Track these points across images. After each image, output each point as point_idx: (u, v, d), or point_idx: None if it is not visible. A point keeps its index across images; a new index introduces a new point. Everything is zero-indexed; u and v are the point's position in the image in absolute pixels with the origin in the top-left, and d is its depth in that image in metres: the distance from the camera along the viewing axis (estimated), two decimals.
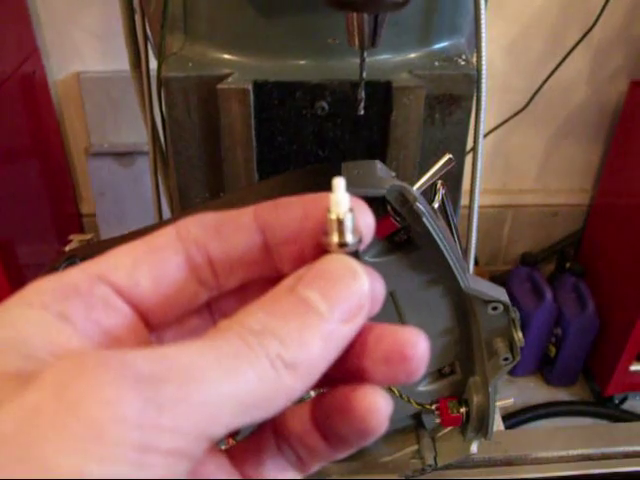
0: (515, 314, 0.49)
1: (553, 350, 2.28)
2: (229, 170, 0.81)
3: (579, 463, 0.62)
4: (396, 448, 0.60)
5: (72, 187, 2.26)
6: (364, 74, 0.42)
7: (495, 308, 0.51)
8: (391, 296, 0.52)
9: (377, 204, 0.45)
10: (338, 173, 0.43)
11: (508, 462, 0.62)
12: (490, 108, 2.12)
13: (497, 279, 2.44)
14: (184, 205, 0.87)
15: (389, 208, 0.44)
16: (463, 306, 0.52)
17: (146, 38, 1.01)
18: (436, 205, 0.47)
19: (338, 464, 0.58)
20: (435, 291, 0.51)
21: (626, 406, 2.26)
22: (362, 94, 0.44)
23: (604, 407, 2.23)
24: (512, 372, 2.37)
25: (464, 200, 1.00)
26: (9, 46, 1.76)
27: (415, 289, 0.51)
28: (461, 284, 0.48)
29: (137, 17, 1.00)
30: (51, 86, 2.03)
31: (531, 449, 0.63)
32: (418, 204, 0.42)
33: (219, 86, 0.75)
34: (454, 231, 0.50)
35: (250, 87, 0.75)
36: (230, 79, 0.76)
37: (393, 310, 0.53)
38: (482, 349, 0.53)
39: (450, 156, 0.46)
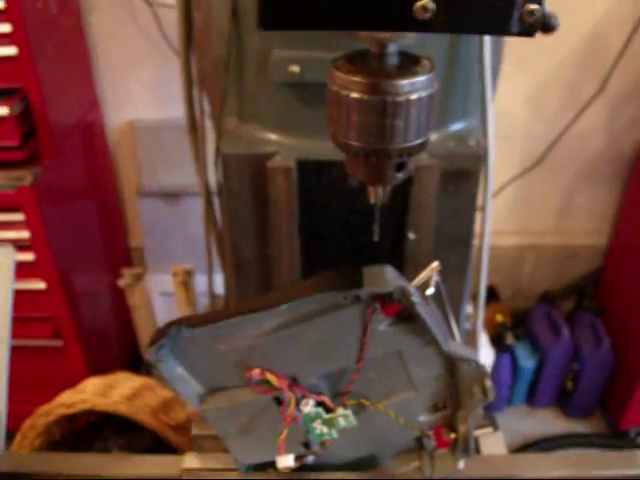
0: (485, 368, 0.64)
1: (571, 385, 2.39)
2: (274, 231, 0.97)
3: None
4: (402, 463, 0.78)
5: (123, 223, 2.46)
6: (378, 217, 0.58)
7: (469, 364, 0.66)
8: (399, 353, 0.69)
9: (388, 295, 0.62)
10: (361, 276, 0.59)
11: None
12: (511, 156, 2.28)
13: (518, 315, 2.56)
14: (236, 257, 1.03)
15: (395, 298, 0.62)
16: (450, 361, 0.69)
17: (202, 106, 1.18)
18: (431, 291, 0.63)
19: (354, 473, 0.73)
20: (429, 350, 0.68)
21: None
22: (377, 227, 0.61)
23: (619, 440, 2.32)
24: (533, 404, 2.48)
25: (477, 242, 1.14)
26: (74, 98, 1.97)
27: (415, 348, 0.68)
28: (444, 349, 0.65)
29: (195, 91, 1.18)
30: (107, 133, 2.23)
31: (518, 470, 0.78)
32: (413, 297, 0.59)
33: (269, 164, 0.92)
34: (446, 309, 0.66)
35: (294, 165, 0.91)
36: (277, 157, 0.93)
37: (401, 364, 0.69)
38: (464, 391, 0.69)
39: (437, 263, 0.62)
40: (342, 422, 0.70)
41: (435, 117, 0.48)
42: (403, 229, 0.97)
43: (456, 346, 0.65)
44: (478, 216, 1.12)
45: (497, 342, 2.32)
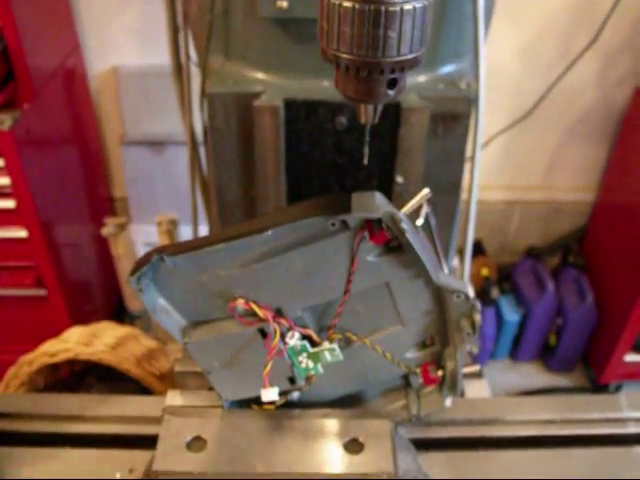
0: (475, 301, 0.63)
1: (554, 339, 2.41)
2: (261, 172, 0.95)
3: (541, 425, 0.77)
4: (389, 401, 0.77)
5: (106, 173, 2.42)
6: (368, 138, 0.56)
7: (459, 296, 0.65)
8: (387, 286, 0.67)
9: (377, 222, 0.60)
10: (349, 202, 0.57)
11: (483, 422, 0.77)
12: (501, 108, 2.25)
13: (504, 270, 2.57)
14: (221, 199, 1.01)
15: (384, 225, 0.60)
16: (439, 294, 0.68)
17: (187, 51, 1.14)
18: (420, 221, 0.61)
19: (343, 409, 0.73)
20: (419, 282, 0.66)
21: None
22: (367, 149, 0.58)
23: (599, 394, 2.36)
24: (515, 357, 2.51)
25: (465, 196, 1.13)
26: (54, 43, 1.91)
27: (404, 281, 0.66)
28: (434, 279, 0.63)
29: (180, 34, 1.14)
30: (90, 79, 2.17)
31: (503, 413, 0.78)
32: (403, 224, 0.57)
33: (255, 103, 0.89)
34: (436, 241, 0.64)
35: (281, 104, 0.89)
36: (264, 97, 0.90)
37: (389, 297, 0.68)
38: (453, 326, 0.68)
39: (427, 190, 0.61)
40: (328, 356, 0.69)
41: (429, 32, 0.46)
42: (391, 173, 0.95)
43: (446, 277, 0.63)
44: (467, 166, 1.10)
45: (482, 296, 2.33)
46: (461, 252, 1.35)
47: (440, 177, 1.01)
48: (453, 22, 0.92)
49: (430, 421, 0.76)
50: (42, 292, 1.96)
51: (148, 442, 0.71)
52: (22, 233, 1.81)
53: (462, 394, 0.83)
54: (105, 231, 2.07)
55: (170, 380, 1.36)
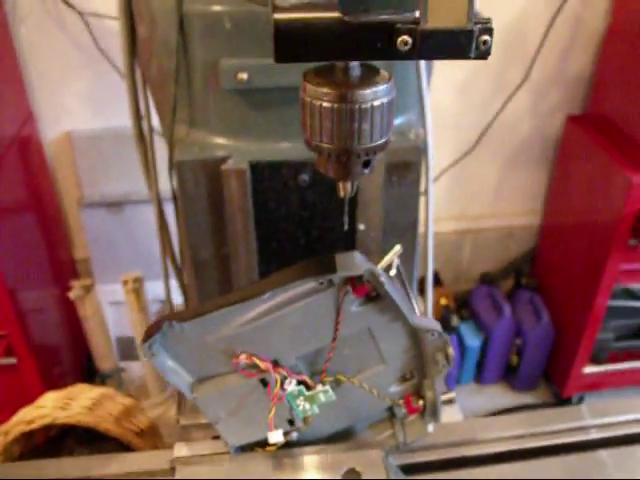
0: (447, 337, 0.71)
1: (515, 359, 2.51)
2: (231, 231, 1.01)
3: (513, 441, 0.85)
4: (377, 432, 0.85)
5: (67, 236, 2.44)
6: (347, 209, 0.64)
7: (432, 334, 0.74)
8: (369, 331, 0.76)
9: (358, 278, 0.69)
10: (334, 263, 0.65)
11: (460, 444, 0.85)
12: (446, 144, 2.37)
13: (461, 297, 2.66)
14: (195, 259, 1.07)
15: (365, 280, 0.68)
16: (414, 334, 0.76)
17: (150, 119, 1.20)
18: (394, 272, 0.69)
19: (337, 444, 0.80)
20: (396, 325, 0.75)
21: None
22: (346, 217, 0.67)
23: (561, 407, 2.45)
24: (480, 381, 2.59)
25: (423, 228, 1.20)
26: (8, 114, 1.95)
27: (384, 325, 0.75)
28: (410, 322, 0.72)
29: (141, 100, 1.20)
30: (45, 145, 2.21)
31: (477, 434, 0.86)
32: (381, 278, 0.66)
33: (222, 167, 0.95)
34: (407, 288, 0.73)
35: (247, 167, 0.96)
36: (230, 161, 0.97)
37: (371, 340, 0.76)
38: (429, 360, 0.77)
39: (399, 246, 0.69)
40: (322, 397, 0.76)
41: (393, 120, 0.54)
42: (354, 221, 1.02)
43: (420, 319, 0.72)
44: (422, 202, 1.18)
45: (443, 324, 2.41)
46: (420, 284, 1.43)
47: (398, 220, 1.08)
48: (399, 79, 1.00)
49: (413, 447, 0.83)
50: (12, 360, 1.96)
51: None
52: None
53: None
54: (72, 294, 2.09)
55: (150, 435, 1.39)
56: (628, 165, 1.93)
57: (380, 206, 1.02)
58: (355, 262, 0.67)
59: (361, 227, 1.01)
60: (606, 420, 0.87)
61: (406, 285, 0.74)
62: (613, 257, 2.03)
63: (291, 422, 0.80)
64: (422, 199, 1.17)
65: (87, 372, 2.48)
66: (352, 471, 0.75)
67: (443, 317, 2.44)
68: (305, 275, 0.68)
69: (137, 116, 1.22)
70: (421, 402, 0.80)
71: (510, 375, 2.58)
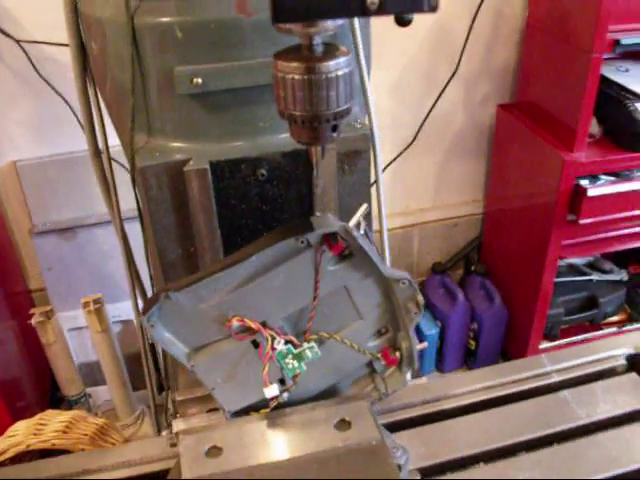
0: (416, 286, 0.79)
1: (473, 343, 2.60)
2: (197, 230, 1.06)
3: (483, 391, 0.93)
4: (360, 387, 0.92)
5: (20, 266, 2.43)
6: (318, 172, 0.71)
7: (403, 283, 0.81)
8: (345, 288, 0.82)
9: (333, 235, 0.76)
10: (310, 223, 0.71)
11: (435, 400, 0.92)
12: (385, 142, 2.45)
13: None
14: (163, 260, 1.11)
15: (339, 237, 0.76)
16: (387, 287, 0.83)
17: (105, 134, 1.24)
18: (362, 230, 0.77)
19: (326, 400, 0.86)
20: (369, 280, 0.82)
21: None
22: (319, 181, 0.74)
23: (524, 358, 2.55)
24: (441, 369, 2.68)
25: (375, 225, 1.27)
26: None
27: (358, 281, 0.82)
28: (382, 272, 0.79)
29: (95, 117, 1.23)
30: None
31: (450, 389, 0.94)
32: (354, 233, 0.74)
33: (185, 169, 1.00)
34: (373, 245, 0.79)
35: (207, 166, 1.01)
36: (191, 162, 1.01)
37: (348, 297, 0.83)
38: (401, 312, 0.84)
39: (366, 205, 0.76)
40: (309, 353, 0.83)
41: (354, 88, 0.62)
42: (310, 210, 1.09)
43: (391, 270, 0.79)
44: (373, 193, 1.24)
45: None
46: None
47: (351, 207, 1.14)
48: None
49: (393, 407, 0.90)
50: None
51: (156, 477, 0.80)
52: None
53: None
54: (33, 321, 2.08)
55: None
56: (559, 145, 2.05)
57: (334, 194, 1.08)
58: (330, 221, 0.75)
59: (318, 214, 1.08)
60: (564, 365, 0.96)
61: (373, 243, 0.80)
62: (555, 234, 2.14)
63: (282, 382, 0.85)
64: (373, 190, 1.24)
65: (53, 401, 2.47)
66: (343, 421, 0.81)
67: None
68: (286, 236, 0.75)
69: (93, 134, 1.25)
70: (398, 353, 0.87)
71: (469, 359, 2.67)
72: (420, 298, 0.79)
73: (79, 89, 1.17)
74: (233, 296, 0.78)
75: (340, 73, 0.61)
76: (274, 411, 0.85)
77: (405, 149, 2.42)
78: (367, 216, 1.16)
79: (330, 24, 0.56)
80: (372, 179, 1.19)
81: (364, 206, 0.77)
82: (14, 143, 2.19)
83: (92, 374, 2.49)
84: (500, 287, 2.55)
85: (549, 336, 2.49)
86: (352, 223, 0.75)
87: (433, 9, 0.55)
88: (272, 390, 0.80)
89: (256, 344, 0.82)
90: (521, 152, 2.30)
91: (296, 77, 0.59)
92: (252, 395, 0.84)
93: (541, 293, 2.30)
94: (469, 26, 2.24)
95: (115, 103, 1.10)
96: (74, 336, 2.42)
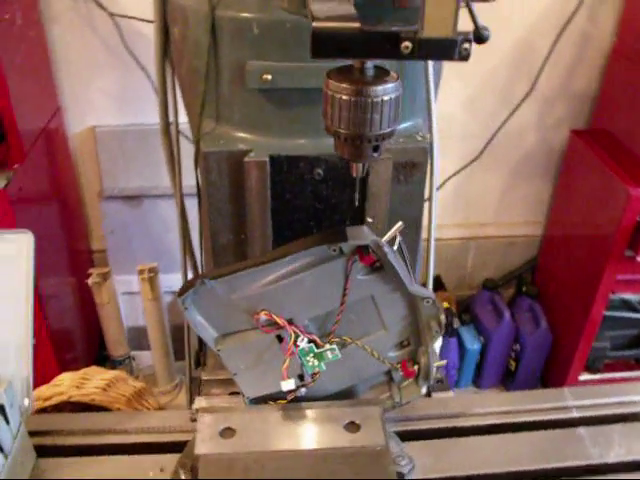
0: (440, 305, 0.81)
1: (513, 364, 2.59)
2: (250, 218, 1.10)
3: (499, 415, 0.93)
4: (376, 393, 0.95)
5: (86, 227, 2.54)
6: (359, 187, 0.75)
7: (427, 302, 0.83)
8: (372, 298, 0.85)
9: (365, 248, 0.79)
10: (345, 233, 0.77)
11: (452, 416, 0.93)
12: (453, 153, 2.46)
13: (462, 303, 2.75)
14: (214, 243, 1.16)
15: (370, 250, 0.78)
16: (412, 303, 0.86)
17: (177, 114, 1.29)
18: (395, 247, 0.79)
19: (341, 401, 0.90)
20: (396, 294, 0.85)
21: None
22: (357, 195, 0.78)
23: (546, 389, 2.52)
24: (478, 384, 2.67)
25: (425, 234, 1.29)
26: (39, 107, 2.06)
27: (385, 293, 0.84)
28: (408, 289, 0.81)
29: (169, 96, 1.29)
30: (70, 139, 2.31)
31: (468, 408, 0.95)
32: (385, 248, 0.76)
33: (245, 159, 1.04)
34: (406, 261, 0.82)
35: (267, 160, 1.05)
36: (252, 154, 1.05)
37: (374, 307, 0.86)
38: (424, 328, 0.86)
39: (401, 223, 0.79)
40: (329, 355, 0.86)
41: (400, 112, 0.65)
42: (362, 214, 1.11)
43: (417, 287, 0.81)
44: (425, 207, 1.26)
45: (444, 328, 2.49)
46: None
47: (403, 216, 1.16)
48: (408, 88, 1.09)
49: (409, 417, 0.92)
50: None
51: (174, 447, 0.85)
52: None
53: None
54: (90, 281, 2.18)
55: None
56: (628, 179, 2.02)
57: (387, 201, 1.10)
58: (363, 233, 0.78)
59: (369, 220, 1.10)
60: (586, 402, 0.96)
61: (406, 260, 0.83)
62: (610, 267, 2.11)
63: (301, 377, 0.89)
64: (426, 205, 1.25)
65: (99, 358, 2.57)
66: (352, 423, 0.85)
67: (445, 320, 2.51)
68: (320, 242, 0.78)
69: (165, 111, 1.31)
70: (416, 367, 0.90)
71: (508, 379, 2.65)
72: (443, 318, 0.82)
73: (157, 68, 1.23)
74: (264, 291, 0.82)
75: (386, 98, 0.64)
76: (291, 403, 0.89)
77: (471, 162, 2.42)
78: (413, 227, 1.19)
79: None
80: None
81: (399, 223, 0.80)
82: (96, 109, 2.29)
83: (139, 339, 2.59)
84: (548, 312, 2.53)
85: (591, 368, 2.45)
86: (385, 239, 0.77)
87: (464, 58, 0.58)
88: (289, 384, 0.84)
89: (280, 339, 0.85)
90: (588, 180, 2.27)
91: (344, 97, 0.63)
92: (271, 386, 0.88)
93: (589, 324, 2.27)
94: (551, 45, 2.21)
95: (188, 87, 1.15)
96: (126, 300, 2.52)
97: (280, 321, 0.83)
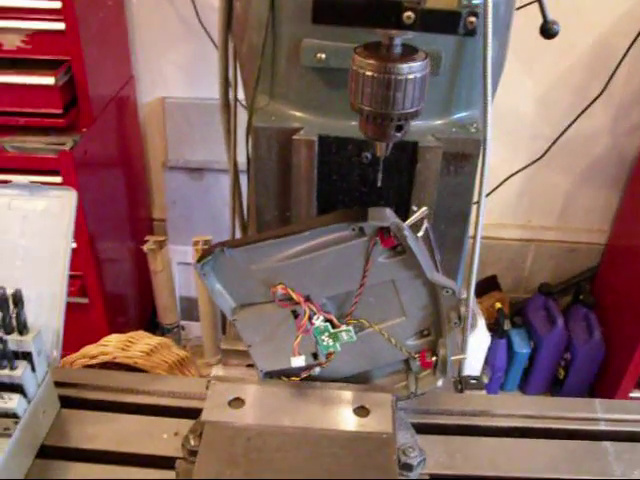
0: (460, 296, 0.79)
1: (562, 373, 2.52)
2: (295, 196, 1.11)
3: (522, 419, 0.91)
4: (393, 381, 0.94)
5: (148, 194, 2.60)
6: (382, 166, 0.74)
7: (447, 292, 0.81)
8: (393, 283, 0.84)
9: (386, 230, 0.78)
10: (366, 213, 0.76)
11: (474, 414, 0.92)
12: (518, 151, 2.40)
13: (516, 305, 2.69)
14: (259, 219, 1.17)
15: (392, 233, 0.77)
16: (434, 292, 0.84)
17: (236, 90, 1.30)
18: (421, 233, 0.78)
19: (354, 385, 0.89)
20: (418, 281, 0.83)
21: None
22: (380, 175, 0.76)
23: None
24: (524, 390, 2.62)
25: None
26: (112, 75, 2.11)
27: (406, 279, 0.83)
28: (428, 276, 0.80)
29: (230, 71, 1.31)
30: (139, 107, 2.37)
31: (491, 408, 0.93)
32: (405, 232, 0.75)
33: (294, 137, 1.05)
34: (434, 250, 0.81)
35: (316, 139, 1.05)
36: (302, 132, 1.06)
37: (394, 292, 0.85)
38: (444, 318, 0.85)
39: (425, 208, 0.77)
40: (345, 336, 0.86)
41: (426, 93, 0.64)
42: (408, 202, 1.10)
43: (438, 276, 0.80)
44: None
45: (494, 328, 2.45)
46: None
47: (450, 208, 1.15)
48: (465, 76, 1.07)
49: (430, 410, 0.91)
50: (84, 300, 2.12)
51: (191, 413, 0.87)
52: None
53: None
54: (146, 247, 2.24)
55: None
56: None
57: (434, 191, 1.09)
58: (385, 214, 0.77)
59: (414, 208, 1.09)
60: (616, 416, 0.93)
61: (433, 247, 0.81)
62: None
63: (315, 356, 0.89)
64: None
65: (150, 324, 2.64)
66: (362, 407, 0.84)
67: (496, 321, 2.47)
68: (341, 220, 0.78)
69: (225, 85, 1.32)
70: (434, 358, 0.88)
71: (555, 388, 2.59)
72: (463, 310, 0.80)
73: (220, 42, 1.24)
74: (283, 265, 0.82)
75: (411, 77, 0.62)
76: (303, 382, 0.89)
77: (534, 162, 2.35)
78: (460, 221, 1.17)
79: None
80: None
81: (423, 209, 0.78)
82: (166, 81, 2.34)
83: (190, 309, 2.64)
84: (604, 323, 2.45)
85: None
86: (408, 222, 0.76)
87: (470, 33, 0.56)
88: (299, 361, 0.84)
89: (296, 314, 0.85)
90: None
91: (367, 74, 0.62)
92: (285, 361, 0.87)
93: None
94: (629, 46, 2.12)
95: (247, 62, 1.16)
96: (181, 270, 2.57)
97: (296, 296, 0.83)
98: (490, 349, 2.53)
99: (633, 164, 2.42)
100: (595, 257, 2.66)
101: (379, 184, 0.80)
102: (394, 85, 0.62)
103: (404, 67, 0.62)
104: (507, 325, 2.48)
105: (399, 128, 0.65)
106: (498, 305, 2.53)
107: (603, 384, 2.49)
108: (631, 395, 2.36)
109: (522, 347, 2.50)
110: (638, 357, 2.24)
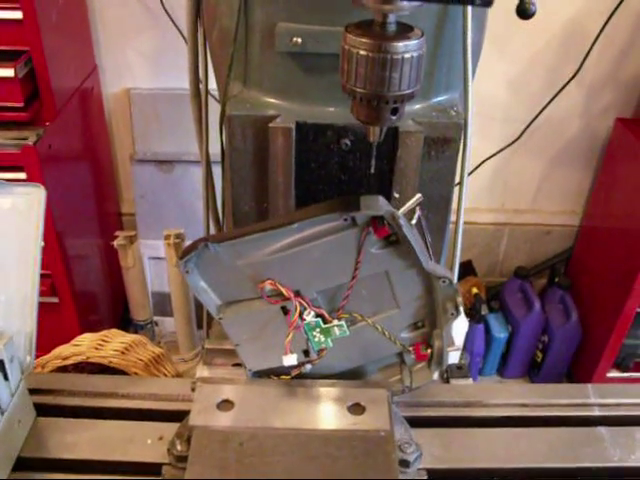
0: (457, 286, 0.76)
1: (540, 356, 2.53)
2: (272, 187, 1.07)
3: (516, 407, 0.89)
4: (386, 376, 0.91)
5: (116, 189, 2.54)
6: (374, 152, 0.70)
7: (444, 281, 0.78)
8: (386, 274, 0.81)
9: (380, 219, 0.74)
10: (358, 202, 0.72)
11: (466, 405, 0.89)
12: (492, 135, 2.39)
13: (492, 289, 2.69)
14: (235, 211, 1.13)
15: (385, 222, 0.74)
16: (428, 282, 0.81)
17: (207, 78, 1.26)
18: (414, 221, 0.75)
19: (347, 381, 0.86)
20: (412, 271, 0.80)
21: None
22: (373, 161, 0.72)
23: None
24: (503, 374, 2.62)
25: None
26: (74, 66, 2.04)
27: (400, 269, 0.80)
28: (424, 266, 0.77)
29: (200, 59, 1.26)
30: (104, 99, 2.30)
31: (484, 397, 0.90)
32: (400, 220, 0.72)
33: (270, 125, 1.01)
34: (425, 237, 0.78)
35: (293, 126, 1.01)
36: (278, 119, 1.02)
37: (387, 283, 0.81)
38: (439, 309, 0.82)
39: (420, 195, 0.74)
40: (337, 331, 0.82)
41: (422, 73, 0.60)
42: (389, 189, 1.07)
43: (434, 265, 0.77)
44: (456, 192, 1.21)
45: (472, 313, 2.45)
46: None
47: (432, 194, 1.12)
48: (444, 58, 1.04)
49: (421, 402, 0.89)
50: (54, 300, 2.06)
51: (175, 416, 0.83)
52: None
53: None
54: (116, 243, 2.18)
55: None
56: None
57: (416, 177, 1.06)
58: (378, 203, 0.73)
59: (396, 195, 1.06)
60: (610, 400, 0.91)
61: (426, 236, 0.78)
62: None
63: (306, 353, 0.86)
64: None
65: (122, 321, 2.58)
66: (357, 405, 0.81)
67: (473, 306, 2.46)
68: (332, 210, 0.74)
69: (195, 74, 1.28)
70: (429, 350, 0.85)
71: (533, 371, 2.60)
72: (460, 300, 0.77)
73: (189, 29, 1.19)
74: (271, 259, 0.78)
75: (407, 56, 0.59)
76: (294, 380, 0.85)
77: (508, 145, 2.34)
78: (441, 206, 1.14)
79: (406, 4, 0.55)
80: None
81: (417, 195, 0.75)
82: (132, 71, 2.28)
83: (163, 304, 2.59)
84: (580, 305, 2.46)
85: (620, 366, 2.39)
86: (402, 211, 0.73)
87: (487, 4, 0.52)
88: (291, 359, 0.80)
89: (285, 311, 0.82)
90: (632, 171, 2.19)
91: (361, 53, 0.58)
92: (274, 359, 0.84)
93: (621, 320, 2.20)
94: (602, 27, 2.11)
95: (218, 49, 1.11)
96: (153, 265, 2.52)
97: (285, 292, 0.79)
98: (468, 335, 2.54)
99: (604, 145, 2.42)
100: (569, 239, 2.66)
101: (372, 170, 0.76)
102: (390, 65, 0.58)
103: (400, 45, 0.58)
104: (484, 310, 2.47)
105: (394, 111, 0.61)
106: (474, 290, 2.53)
107: (581, 365, 2.50)
108: (608, 375, 2.38)
109: (500, 332, 2.50)
110: (615, 337, 2.25)
